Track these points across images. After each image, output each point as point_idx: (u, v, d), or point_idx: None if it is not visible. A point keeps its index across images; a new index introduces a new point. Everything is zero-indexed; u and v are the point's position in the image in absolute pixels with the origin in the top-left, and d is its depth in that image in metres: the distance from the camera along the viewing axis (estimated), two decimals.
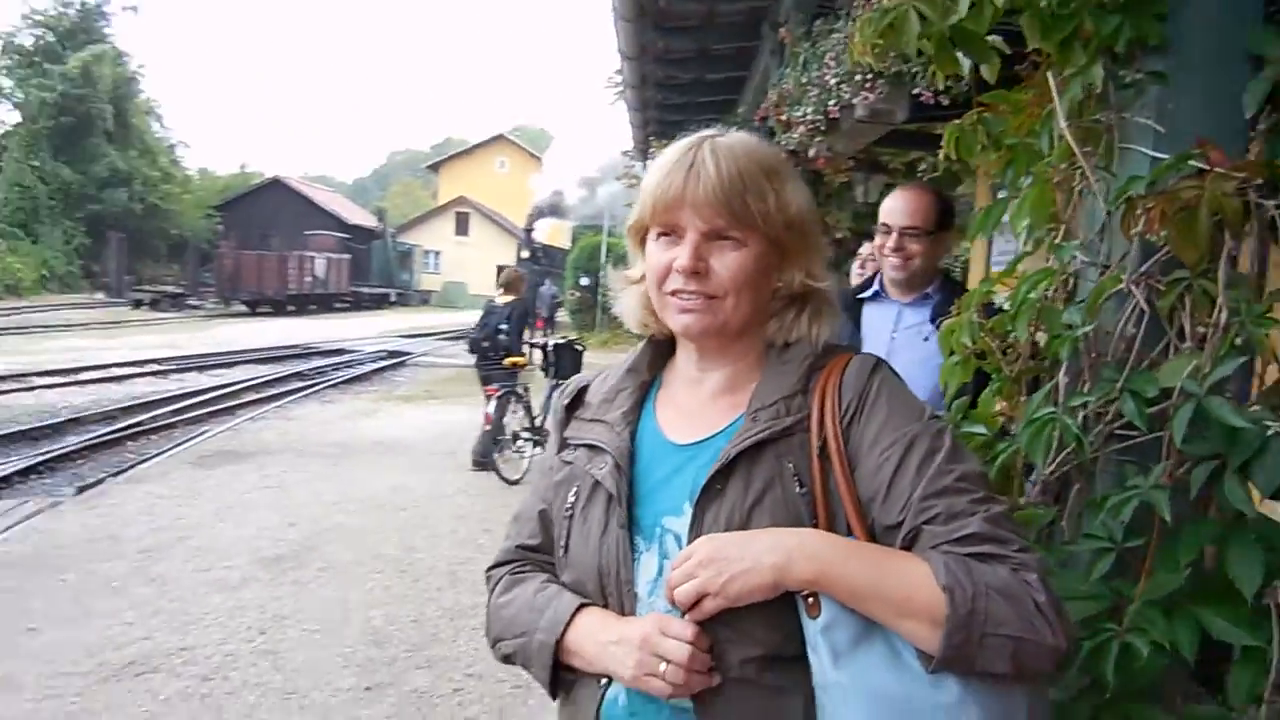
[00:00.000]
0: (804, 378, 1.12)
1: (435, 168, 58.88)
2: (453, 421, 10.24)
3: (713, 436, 1.13)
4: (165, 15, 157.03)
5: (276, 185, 46.90)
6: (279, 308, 33.09)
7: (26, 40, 42.51)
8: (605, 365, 1.32)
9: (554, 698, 1.18)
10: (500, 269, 27.02)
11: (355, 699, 3.70)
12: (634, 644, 1.05)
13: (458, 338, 24.57)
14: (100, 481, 7.18)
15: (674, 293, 1.11)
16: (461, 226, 50.30)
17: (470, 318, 35.03)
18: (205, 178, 53.25)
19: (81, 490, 6.90)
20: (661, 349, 1.25)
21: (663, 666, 1.02)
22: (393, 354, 18.90)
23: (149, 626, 4.35)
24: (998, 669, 0.93)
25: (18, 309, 29.68)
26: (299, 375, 14.77)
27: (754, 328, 1.15)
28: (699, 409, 1.17)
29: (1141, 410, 1.31)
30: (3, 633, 4.19)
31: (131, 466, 7.73)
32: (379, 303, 40.50)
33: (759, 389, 1.13)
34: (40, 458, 7.88)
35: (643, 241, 1.17)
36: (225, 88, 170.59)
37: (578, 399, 1.28)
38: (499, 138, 55.65)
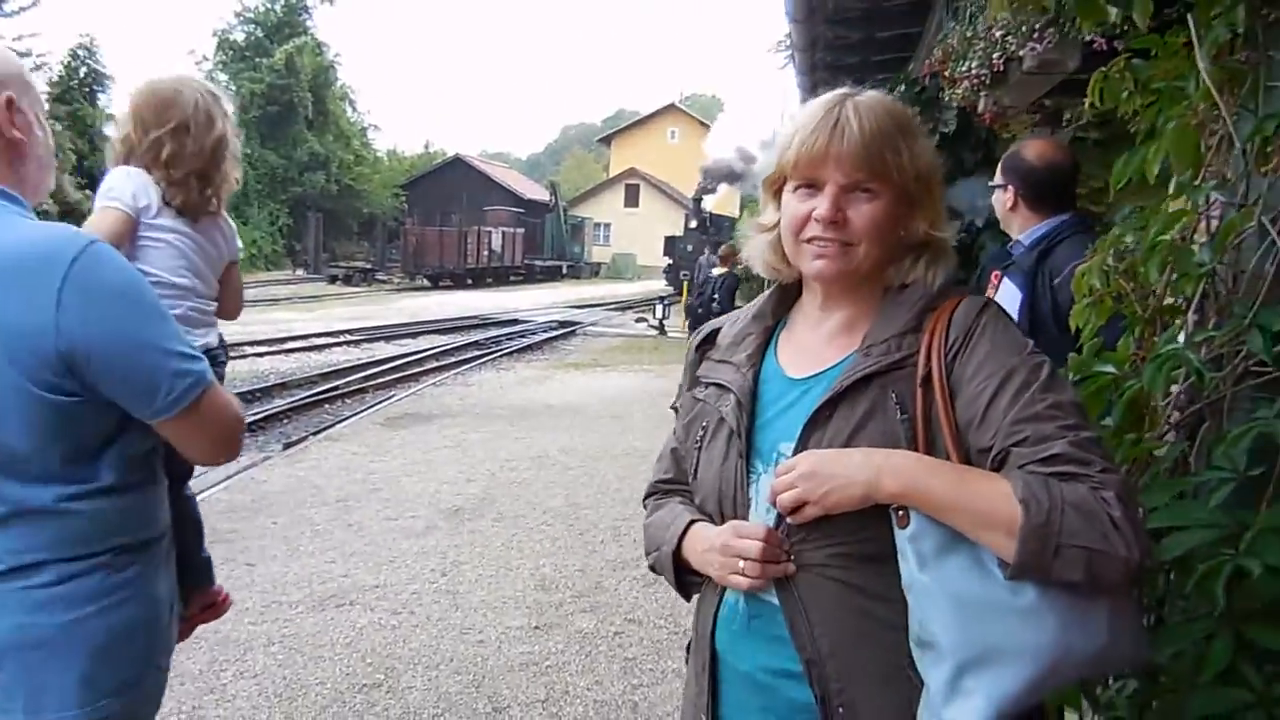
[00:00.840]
0: (917, 317, 1.21)
1: (606, 140, 59.77)
2: (619, 387, 10.57)
3: (827, 370, 1.24)
4: (359, 5, 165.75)
5: (457, 163, 49.06)
6: (459, 281, 34.69)
7: (238, 36, 46.08)
8: None
9: (686, 599, 1.38)
10: (668, 240, 27.36)
11: (525, 636, 3.99)
12: (717, 548, 1.22)
13: (625, 308, 25.09)
14: (303, 439, 7.90)
15: (811, 239, 1.22)
16: (631, 198, 50.89)
17: (637, 288, 35.30)
18: (393, 158, 56.05)
19: (287, 447, 7.63)
20: (788, 294, 1.36)
21: (741, 563, 1.19)
22: (563, 324, 19.54)
23: (347, 565, 4.81)
24: (1073, 578, 1.01)
25: None
26: (476, 344, 15.57)
27: (878, 272, 1.25)
28: (817, 346, 1.28)
29: (1268, 345, 1.31)
30: (229, 566, 4.73)
31: (329, 426, 8.45)
32: (551, 275, 41.70)
33: (874, 327, 1.23)
34: (253, 417, 8.73)
35: (777, 193, 1.28)
36: (412, 71, 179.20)
37: (709, 341, 1.42)
38: (669, 107, 55.80)
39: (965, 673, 1.04)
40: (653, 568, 1.39)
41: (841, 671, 1.15)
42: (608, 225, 50.69)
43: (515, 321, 19.95)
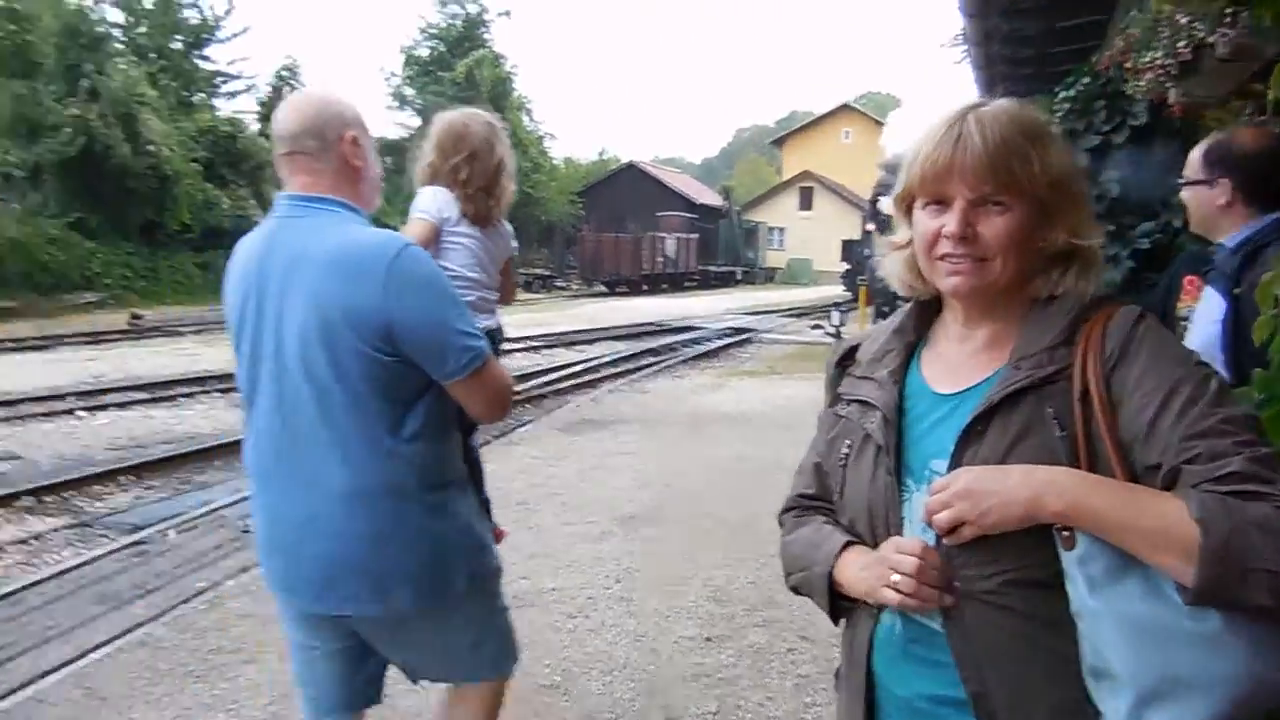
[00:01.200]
0: (1068, 329, 1.17)
1: (779, 143, 59.28)
2: (794, 396, 10.46)
3: (977, 385, 1.21)
4: (535, 17, 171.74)
5: (630, 170, 49.88)
6: (634, 287, 35.29)
7: (423, 52, 48.68)
8: None
9: (835, 623, 1.36)
10: (845, 244, 26.86)
11: (697, 647, 4.03)
12: (873, 561, 1.20)
13: (801, 314, 24.79)
14: (486, 443, 8.25)
15: (943, 256, 1.20)
16: (805, 201, 50.27)
17: (813, 294, 34.78)
18: (569, 166, 57.62)
19: None
20: (927, 310, 1.34)
21: (895, 577, 1.15)
22: (737, 330, 19.52)
23: (527, 567, 5.00)
24: (1261, 603, 0.94)
25: None
26: (651, 351, 15.80)
27: (1019, 285, 1.22)
28: (964, 362, 1.26)
29: None
30: None
31: (511, 430, 8.79)
32: (725, 280, 41.73)
33: (1023, 340, 1.20)
34: None
35: (908, 210, 1.27)
36: (586, 80, 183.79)
37: (849, 357, 1.41)
38: (844, 107, 54.82)
39: (1148, 704, 1.00)
40: (795, 588, 1.38)
41: (1013, 704, 1.11)
42: (782, 230, 50.25)
43: (690, 328, 20.11)
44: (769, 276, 46.71)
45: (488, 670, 2.27)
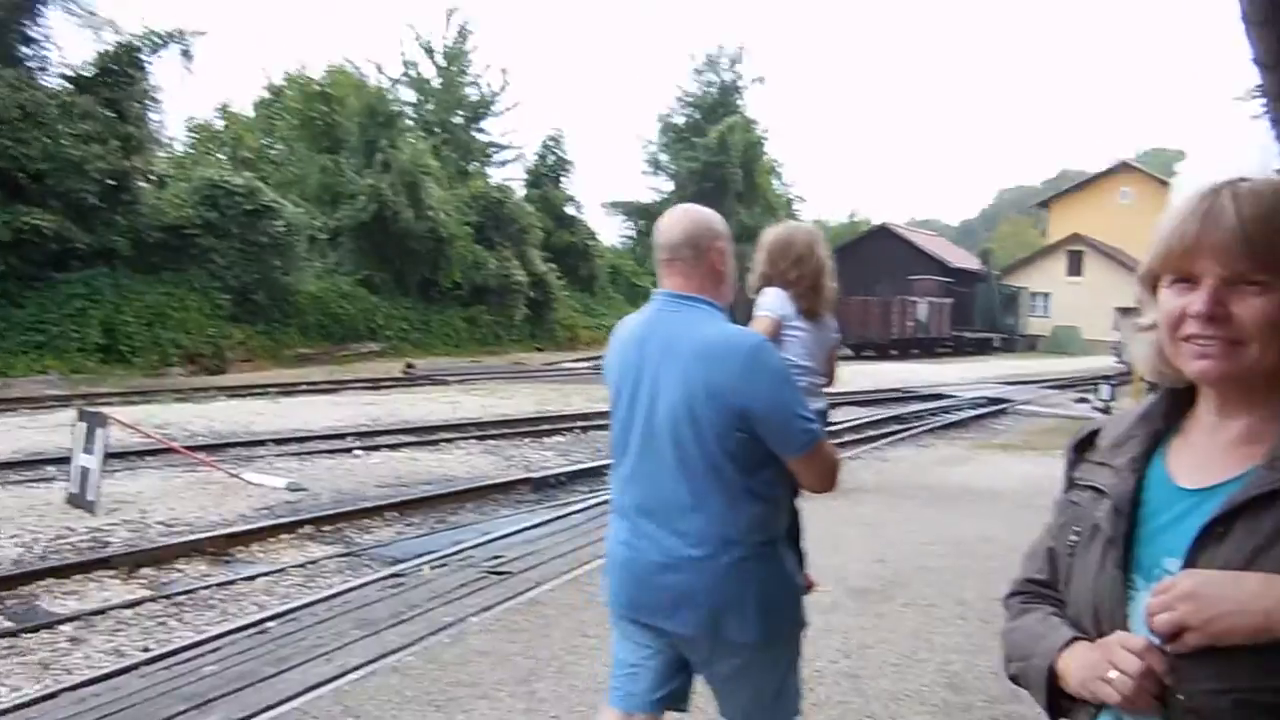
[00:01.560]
0: None
1: (1046, 204, 56.21)
2: (1050, 475, 9.60)
3: (1225, 483, 1.10)
4: (791, 82, 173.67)
5: (882, 232, 48.99)
6: (882, 351, 34.42)
7: (679, 120, 50.59)
8: None
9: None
10: (1118, 311, 24.85)
11: None
12: (1094, 653, 1.11)
13: (1065, 386, 23.12)
14: None
15: (1189, 338, 1.10)
16: (1074, 266, 47.22)
17: (1079, 365, 32.51)
18: (817, 228, 57.52)
19: None
20: (1179, 397, 1.22)
21: (1112, 673, 1.06)
22: (992, 400, 18.48)
23: None
24: None
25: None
26: (897, 419, 15.26)
27: None
28: (1213, 456, 1.14)
29: None
30: None
31: None
32: (981, 348, 39.80)
33: None
34: None
35: (1154, 289, 1.18)
36: (841, 142, 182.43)
37: (1088, 442, 1.31)
38: (1121, 166, 51.21)
39: None
40: (1014, 677, 1.30)
41: None
42: (1046, 295, 47.32)
43: (939, 396, 19.28)
44: (1030, 345, 44.05)
45: (788, 711, 2.54)
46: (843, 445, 12.08)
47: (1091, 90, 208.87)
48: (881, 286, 38.61)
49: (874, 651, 4.70)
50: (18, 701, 4.25)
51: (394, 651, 4.61)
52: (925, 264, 44.07)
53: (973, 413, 16.38)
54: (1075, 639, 1.19)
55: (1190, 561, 1.06)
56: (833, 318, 3.67)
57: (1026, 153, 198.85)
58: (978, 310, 41.22)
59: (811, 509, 7.72)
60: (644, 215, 51.25)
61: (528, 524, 7.30)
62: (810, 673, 4.38)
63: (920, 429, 13.82)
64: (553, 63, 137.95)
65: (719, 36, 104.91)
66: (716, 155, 45.56)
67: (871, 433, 13.30)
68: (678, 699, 2.55)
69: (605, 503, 8.11)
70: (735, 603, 2.25)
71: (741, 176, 46.56)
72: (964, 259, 49.61)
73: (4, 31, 19.97)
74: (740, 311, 2.95)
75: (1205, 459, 1.15)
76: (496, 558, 6.27)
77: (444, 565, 6.22)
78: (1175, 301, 1.12)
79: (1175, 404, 1.23)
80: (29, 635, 5.20)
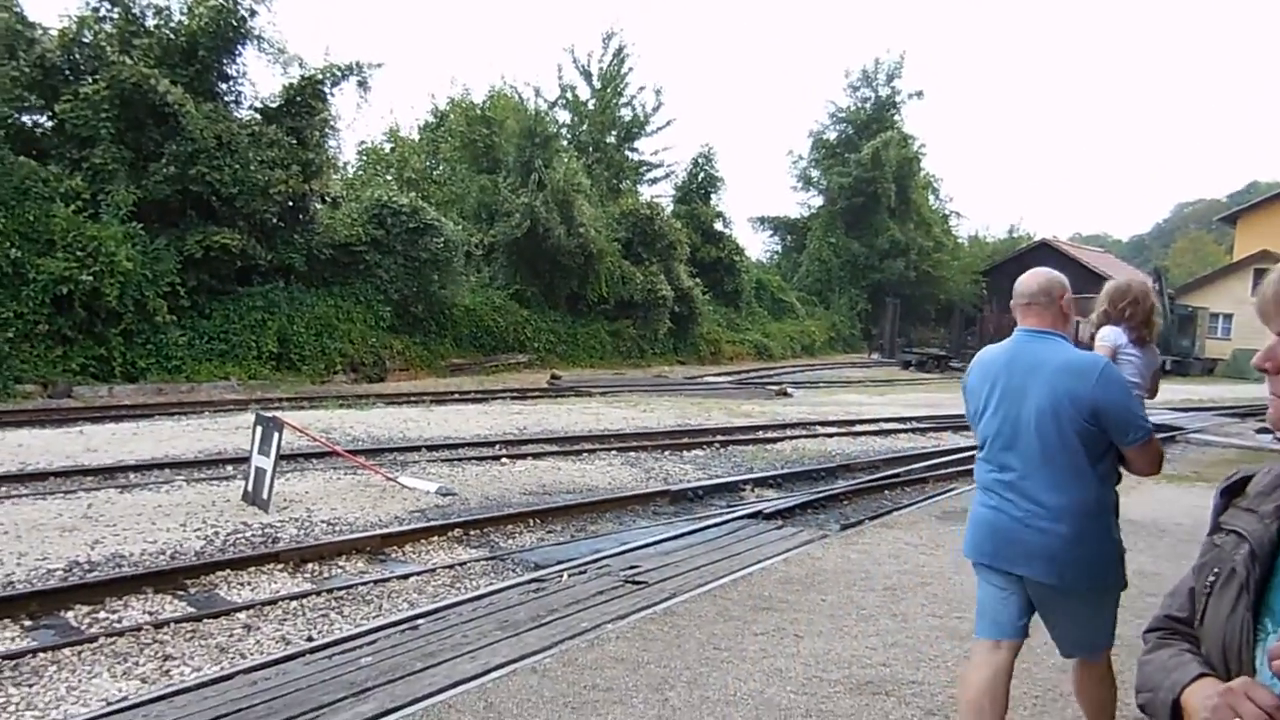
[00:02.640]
0: None
1: (1231, 219, 52.32)
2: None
3: None
4: (948, 91, 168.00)
5: (1042, 248, 46.89)
6: None
7: (830, 136, 49.97)
8: None
9: None
10: None
11: None
12: (1220, 694, 1.11)
13: (1245, 414, 21.49)
14: (860, 522, 8.17)
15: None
16: (1259, 285, 43.74)
17: (1262, 391, 30.34)
18: (974, 244, 55.65)
19: (845, 528, 7.96)
20: None
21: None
22: (1161, 428, 17.33)
23: (887, 655, 4.87)
24: None
25: (811, 366, 34.85)
26: None
27: None
28: None
29: None
30: (778, 635, 5.11)
31: (887, 513, 8.60)
32: None
33: None
34: (817, 495, 9.28)
35: None
36: (1002, 153, 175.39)
37: (1238, 487, 1.32)
38: None
39: None
40: (1142, 707, 1.32)
41: None
42: (1228, 316, 44.00)
43: None
44: (1207, 368, 41.06)
45: (1105, 640, 3.28)
46: (951, 477, 11.69)
47: None
48: None
49: (1014, 682, 4.53)
50: (199, 680, 4.67)
51: (534, 653, 4.80)
52: (1090, 282, 41.69)
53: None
54: (1202, 675, 1.20)
55: None
56: (1156, 348, 5.28)
57: (1210, 163, 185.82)
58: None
59: (955, 534, 7.57)
60: (791, 230, 50.90)
61: (665, 535, 7.42)
62: (945, 699, 4.33)
63: None
64: (706, 78, 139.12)
65: (875, 50, 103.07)
66: (869, 171, 44.76)
67: None
68: (1026, 629, 3.28)
69: (742, 517, 8.16)
70: (1081, 558, 3.02)
71: (895, 192, 45.54)
72: (1134, 277, 46.83)
73: (206, 70, 21.81)
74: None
75: None
76: (633, 567, 6.42)
77: (583, 572, 6.41)
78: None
79: None
80: (210, 620, 5.69)
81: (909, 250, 45.64)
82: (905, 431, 15.38)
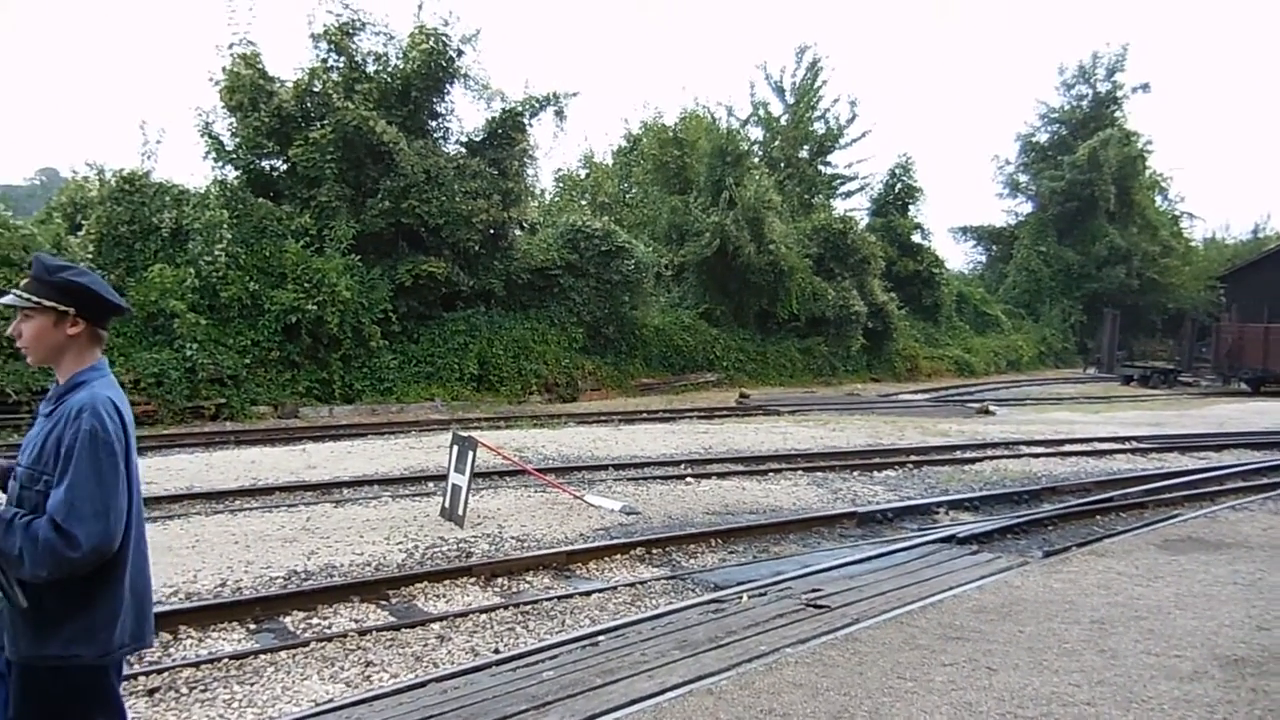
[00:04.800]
0: None
1: None
2: None
3: None
4: (1179, 85, 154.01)
5: None
6: None
7: (1042, 138, 47.34)
8: None
9: None
10: None
11: None
12: None
13: None
14: (1066, 549, 7.59)
15: None
16: None
17: None
18: (1210, 247, 51.16)
19: (1048, 555, 7.41)
20: None
21: None
22: None
23: (1092, 694, 4.47)
24: None
25: (1017, 382, 32.94)
26: None
27: None
28: None
29: None
30: (969, 667, 4.82)
31: (1097, 540, 7.96)
32: None
33: None
34: (1018, 520, 8.71)
35: None
36: (1247, 147, 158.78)
37: None
38: None
39: None
40: None
41: None
42: None
43: None
44: None
45: None
46: (1225, 493, 10.61)
47: None
48: None
49: None
50: (396, 686, 4.93)
51: (710, 674, 4.75)
52: None
53: None
54: None
55: None
56: None
57: None
58: None
59: (1177, 564, 6.93)
60: (997, 240, 48.54)
61: (850, 559, 7.19)
62: None
63: None
64: (904, 85, 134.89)
65: (1093, 43, 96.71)
66: (1085, 173, 42.09)
67: (1263, 481, 11.50)
68: None
69: (934, 541, 7.79)
70: None
71: (1114, 194, 42.55)
72: None
73: (418, 110, 23.38)
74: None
75: None
76: (815, 590, 6.25)
77: (763, 594, 6.30)
78: None
79: None
80: (407, 630, 6.00)
81: (1131, 256, 42.48)
82: (1123, 452, 14.21)
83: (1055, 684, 4.58)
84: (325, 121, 21.39)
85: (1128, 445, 14.77)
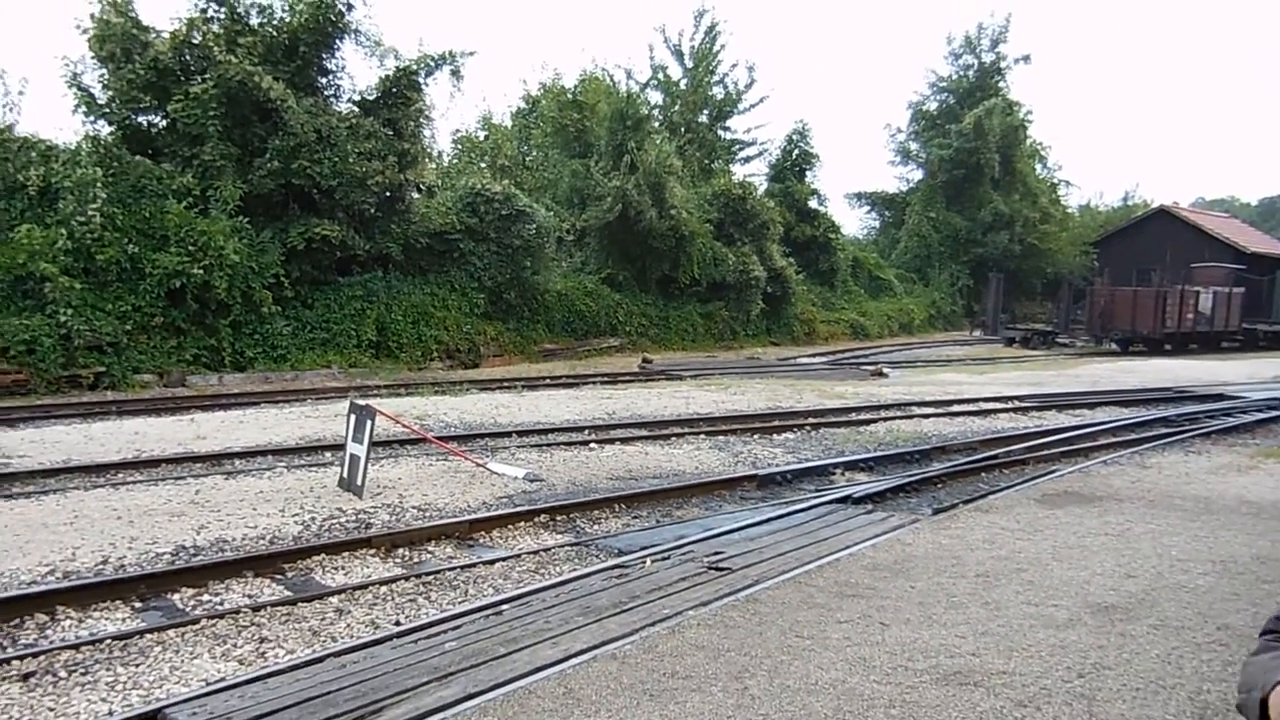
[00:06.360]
0: None
1: None
2: None
3: None
4: (1057, 58, 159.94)
5: (1160, 216, 44.80)
6: (1154, 347, 31.49)
7: (931, 106, 48.53)
8: None
9: None
10: None
11: None
12: None
13: None
14: (954, 506, 7.91)
15: None
16: None
17: None
18: (1086, 214, 53.49)
19: (937, 512, 7.72)
20: None
21: None
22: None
23: (977, 644, 4.70)
24: None
25: (909, 345, 34.04)
26: (1164, 421, 13.89)
27: None
28: None
29: None
30: (864, 623, 4.99)
31: (982, 496, 8.32)
32: (1278, 342, 35.35)
33: None
34: (909, 479, 9.03)
35: None
36: (1119, 115, 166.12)
37: None
38: None
39: None
40: (1239, 707, 1.32)
41: None
42: None
43: (1220, 397, 17.32)
44: None
45: None
46: (1097, 449, 11.21)
47: None
48: (1157, 275, 35.26)
49: (1113, 674, 4.36)
50: (292, 663, 4.82)
51: (615, 640, 4.80)
52: (1212, 249, 39.77)
53: (1258, 416, 14.59)
54: None
55: None
56: None
57: None
58: (1278, 300, 36.54)
59: (1055, 518, 7.30)
60: (890, 206, 49.73)
61: (750, 521, 7.33)
62: (1037, 690, 4.15)
63: (1192, 433, 12.50)
64: (801, 52, 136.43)
65: (979, 14, 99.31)
66: (971, 141, 43.33)
67: (1132, 436, 12.20)
68: None
69: (831, 502, 8.01)
70: None
71: (999, 162, 43.98)
72: (1262, 242, 44.28)
73: (306, 66, 22.48)
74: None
75: None
76: (717, 553, 6.36)
77: (666, 558, 6.39)
78: None
79: None
80: (304, 604, 5.87)
81: (1014, 222, 44.08)
82: (1006, 411, 14.86)
83: (943, 636, 4.79)
84: (207, 76, 20.39)
85: (1010, 405, 15.45)
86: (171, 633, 5.38)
